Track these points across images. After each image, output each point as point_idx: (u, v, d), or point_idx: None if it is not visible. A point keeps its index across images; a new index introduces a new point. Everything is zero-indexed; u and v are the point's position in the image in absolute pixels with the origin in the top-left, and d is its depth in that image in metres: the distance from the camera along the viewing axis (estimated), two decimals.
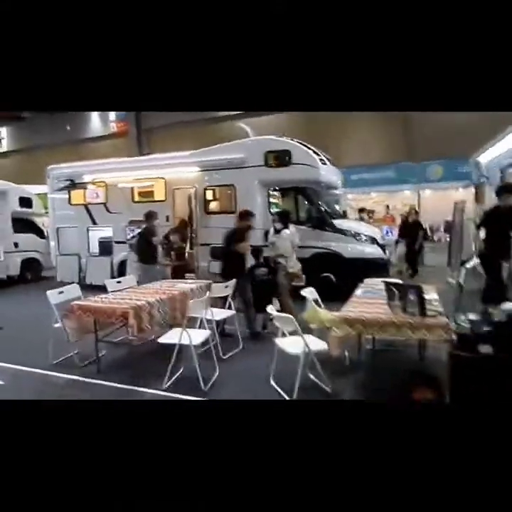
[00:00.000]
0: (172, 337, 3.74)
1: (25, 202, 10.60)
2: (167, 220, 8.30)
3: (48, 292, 4.50)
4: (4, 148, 23.64)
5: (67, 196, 9.45)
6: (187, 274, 8.05)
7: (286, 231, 5.37)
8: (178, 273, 6.80)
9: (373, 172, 14.77)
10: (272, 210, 7.60)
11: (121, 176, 8.81)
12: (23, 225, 10.56)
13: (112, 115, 20.84)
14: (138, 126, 20.05)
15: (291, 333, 3.53)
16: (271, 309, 3.65)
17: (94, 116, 21.31)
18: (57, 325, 4.43)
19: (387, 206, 14.85)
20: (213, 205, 8.21)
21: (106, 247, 9.16)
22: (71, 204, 9.45)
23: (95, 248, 9.36)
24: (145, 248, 6.29)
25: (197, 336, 3.70)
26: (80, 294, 4.83)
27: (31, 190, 11.19)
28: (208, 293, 4.20)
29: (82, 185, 9.23)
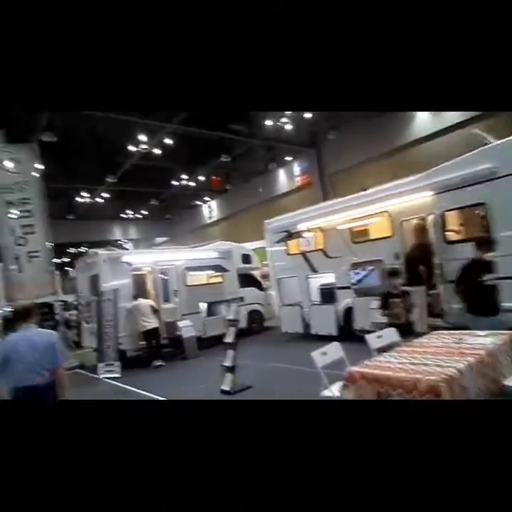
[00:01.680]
0: None
1: (246, 258, 11.40)
2: (397, 257, 7.23)
3: (313, 354, 3.93)
4: (215, 217, 27.72)
5: (284, 247, 9.57)
6: (432, 319, 6.67)
7: None
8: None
9: None
10: None
11: (337, 218, 8.33)
12: (245, 279, 11.29)
13: (297, 170, 21.90)
14: (320, 175, 20.41)
15: None
16: None
17: (281, 176, 22.81)
18: (326, 393, 3.78)
19: None
20: (456, 233, 6.71)
21: (328, 295, 8.67)
22: (289, 254, 9.49)
23: (317, 296, 9.00)
24: (474, 292, 4.46)
25: None
26: (343, 355, 4.15)
27: (249, 246, 12.07)
28: None
29: (298, 234, 9.18)
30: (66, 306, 13.73)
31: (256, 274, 12.04)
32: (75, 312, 14.06)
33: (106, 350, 8.63)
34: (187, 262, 10.13)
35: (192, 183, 22.61)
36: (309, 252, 8.98)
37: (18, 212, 10.29)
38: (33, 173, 10.59)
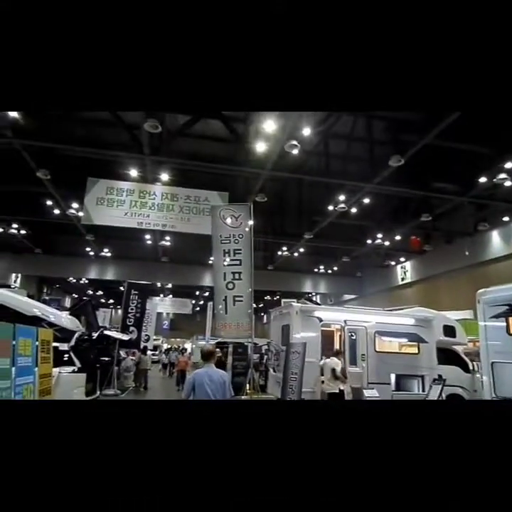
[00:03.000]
0: None
1: (449, 330, 9.87)
2: None
3: None
4: (408, 279, 25.79)
5: (504, 324, 7.82)
6: None
7: None
8: None
9: None
10: None
11: None
12: (446, 355, 9.71)
13: None
14: None
15: None
16: None
17: (495, 238, 19.62)
18: None
19: None
20: None
21: None
22: (511, 334, 7.68)
23: None
24: None
25: None
26: None
27: (452, 317, 10.47)
28: None
29: None
30: (255, 349, 14.74)
31: (459, 350, 10.24)
32: (258, 356, 14.92)
33: None
34: (379, 325, 9.45)
35: (387, 242, 21.84)
36: None
37: (230, 260, 11.91)
38: (246, 228, 12.19)
